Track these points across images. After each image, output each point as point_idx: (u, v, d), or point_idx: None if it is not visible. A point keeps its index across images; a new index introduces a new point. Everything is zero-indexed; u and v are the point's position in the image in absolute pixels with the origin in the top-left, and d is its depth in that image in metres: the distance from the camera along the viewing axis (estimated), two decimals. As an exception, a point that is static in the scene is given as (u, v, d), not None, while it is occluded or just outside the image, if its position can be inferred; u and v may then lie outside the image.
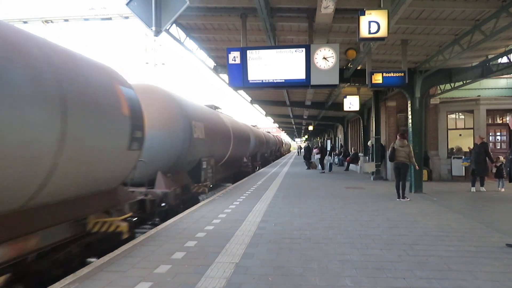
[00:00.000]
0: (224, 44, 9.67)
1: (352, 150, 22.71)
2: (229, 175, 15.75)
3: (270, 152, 32.64)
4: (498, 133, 14.33)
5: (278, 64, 7.02)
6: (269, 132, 38.44)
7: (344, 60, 10.12)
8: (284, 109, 24.71)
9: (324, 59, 6.90)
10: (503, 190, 10.46)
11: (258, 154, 22.66)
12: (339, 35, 8.81)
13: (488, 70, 10.82)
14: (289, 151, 72.46)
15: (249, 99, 19.59)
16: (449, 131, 14.23)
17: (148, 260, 4.30)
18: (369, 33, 5.80)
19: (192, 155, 9.09)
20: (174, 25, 8.21)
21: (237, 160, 16.69)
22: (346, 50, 8.93)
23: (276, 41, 8.56)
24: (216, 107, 13.98)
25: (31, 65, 3.64)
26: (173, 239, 5.27)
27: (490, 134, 14.17)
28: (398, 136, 9.30)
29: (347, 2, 6.65)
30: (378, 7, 6.06)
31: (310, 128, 35.28)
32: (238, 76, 7.13)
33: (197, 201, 9.67)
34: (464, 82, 11.82)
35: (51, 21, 20.71)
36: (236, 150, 14.78)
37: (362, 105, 16.93)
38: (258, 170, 21.33)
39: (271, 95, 18.37)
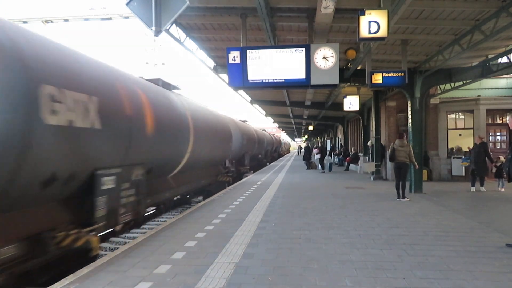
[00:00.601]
0: (224, 44, 9.67)
1: (352, 150, 22.73)
2: (195, 188, 10.50)
3: (265, 153, 27.71)
4: (498, 133, 14.34)
5: (278, 64, 7.01)
6: (264, 130, 33.00)
7: (344, 60, 10.12)
8: (284, 109, 24.72)
9: (324, 59, 6.90)
10: (503, 190, 10.45)
11: (246, 156, 17.59)
12: (339, 35, 8.81)
13: (488, 70, 10.83)
14: (288, 151, 71.24)
15: (249, 99, 19.61)
16: (449, 131, 14.24)
17: (148, 260, 4.30)
18: (369, 33, 5.80)
19: (52, 165, 4.05)
20: (174, 25, 8.21)
21: (209, 165, 11.47)
22: (346, 50, 8.93)
23: (276, 40, 8.55)
24: (170, 85, 8.50)
25: None
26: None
27: (490, 134, 14.18)
28: (397, 136, 9.31)
29: (347, 2, 6.65)
30: (378, 7, 6.06)
31: (310, 128, 35.31)
32: (238, 76, 7.13)
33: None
34: (464, 82, 11.82)
35: (51, 21, 20.69)
36: (204, 150, 9.77)
37: (362, 105, 16.94)
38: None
39: (271, 95, 18.37)
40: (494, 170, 10.92)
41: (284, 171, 19.21)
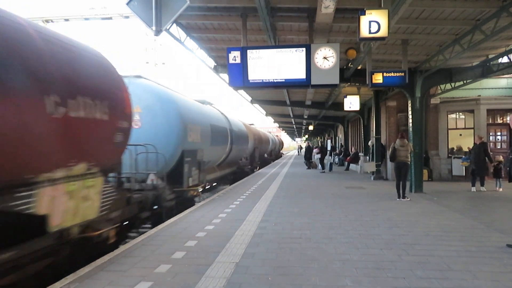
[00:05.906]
0: (224, 44, 9.67)
1: (353, 150, 22.71)
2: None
3: (248, 155, 19.71)
4: (499, 133, 14.32)
5: (279, 64, 7.01)
6: (252, 125, 25.61)
7: (344, 59, 10.11)
8: (285, 109, 24.69)
9: (324, 59, 6.89)
10: (500, 189, 10.45)
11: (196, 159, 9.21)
12: (340, 34, 8.81)
13: (488, 70, 10.81)
14: (280, 153, 48.32)
15: (249, 98, 19.59)
16: (449, 131, 14.22)
17: (148, 259, 4.30)
18: (370, 32, 5.80)
19: None
20: (174, 24, 8.20)
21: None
22: (347, 50, 8.92)
23: (276, 40, 8.55)
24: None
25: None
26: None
27: (491, 134, 14.16)
28: (398, 136, 9.32)
29: (347, 1, 6.64)
30: (378, 6, 6.05)
31: (311, 128, 35.27)
32: (239, 76, 7.13)
33: None
34: (465, 82, 11.81)
35: (52, 21, 20.66)
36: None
37: (362, 104, 16.91)
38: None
39: (271, 94, 18.36)
40: (492, 170, 10.92)
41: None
